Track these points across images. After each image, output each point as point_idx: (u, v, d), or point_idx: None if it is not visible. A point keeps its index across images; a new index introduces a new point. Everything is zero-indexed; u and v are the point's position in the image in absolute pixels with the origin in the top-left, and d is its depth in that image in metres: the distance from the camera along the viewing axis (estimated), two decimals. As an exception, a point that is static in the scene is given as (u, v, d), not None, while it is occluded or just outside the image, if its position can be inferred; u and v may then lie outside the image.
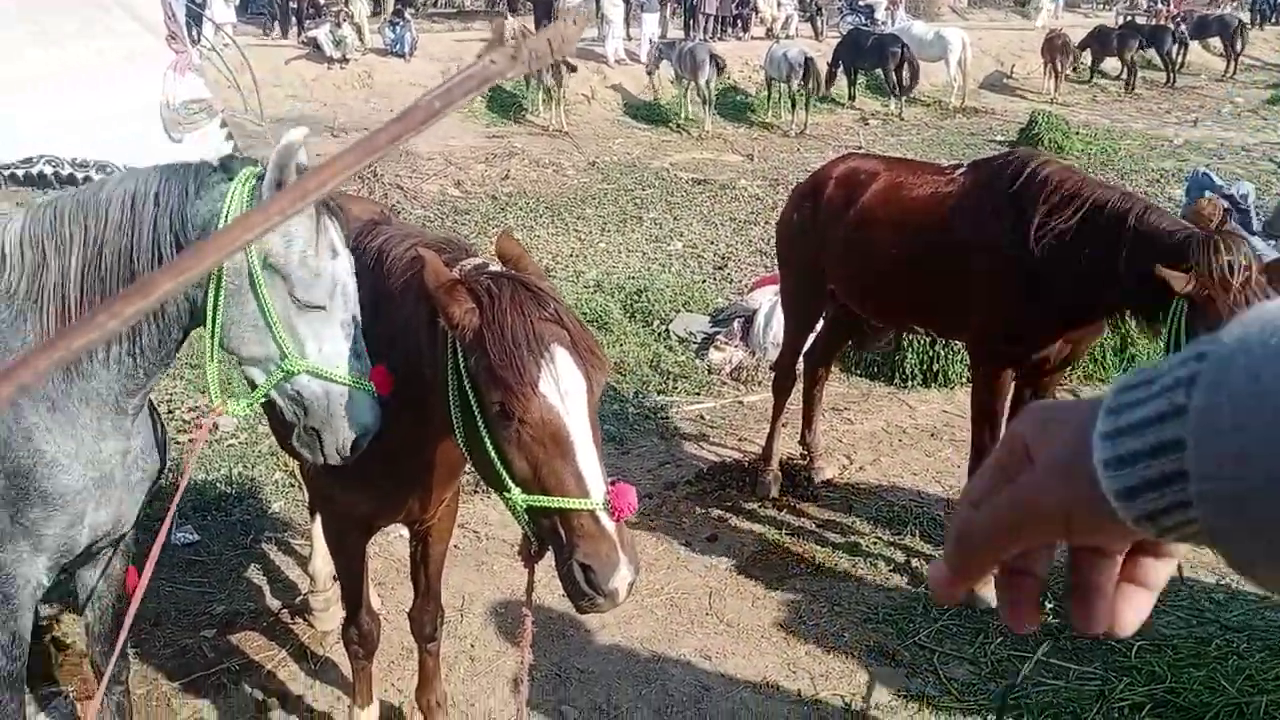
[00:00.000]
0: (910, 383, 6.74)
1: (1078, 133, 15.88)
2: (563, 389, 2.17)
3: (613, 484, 2.20)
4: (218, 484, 5.30)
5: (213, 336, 2.44)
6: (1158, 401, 0.59)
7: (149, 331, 2.52)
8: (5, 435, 2.52)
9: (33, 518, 2.57)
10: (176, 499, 2.65)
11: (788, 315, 5.39)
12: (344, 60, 17.46)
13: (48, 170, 11.08)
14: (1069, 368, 4.80)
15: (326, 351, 2.41)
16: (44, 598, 2.79)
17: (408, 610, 3.39)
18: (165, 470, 2.91)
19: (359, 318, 2.46)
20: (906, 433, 6.11)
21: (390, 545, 4.71)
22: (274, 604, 4.39)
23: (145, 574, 2.58)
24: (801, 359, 5.37)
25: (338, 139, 14.16)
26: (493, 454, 2.25)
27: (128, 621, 2.63)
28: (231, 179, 2.39)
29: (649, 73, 18.40)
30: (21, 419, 2.52)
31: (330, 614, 4.21)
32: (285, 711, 3.69)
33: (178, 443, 5.44)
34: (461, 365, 2.28)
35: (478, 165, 13.32)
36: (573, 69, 16.15)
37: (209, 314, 2.42)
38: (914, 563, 4.63)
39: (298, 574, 4.59)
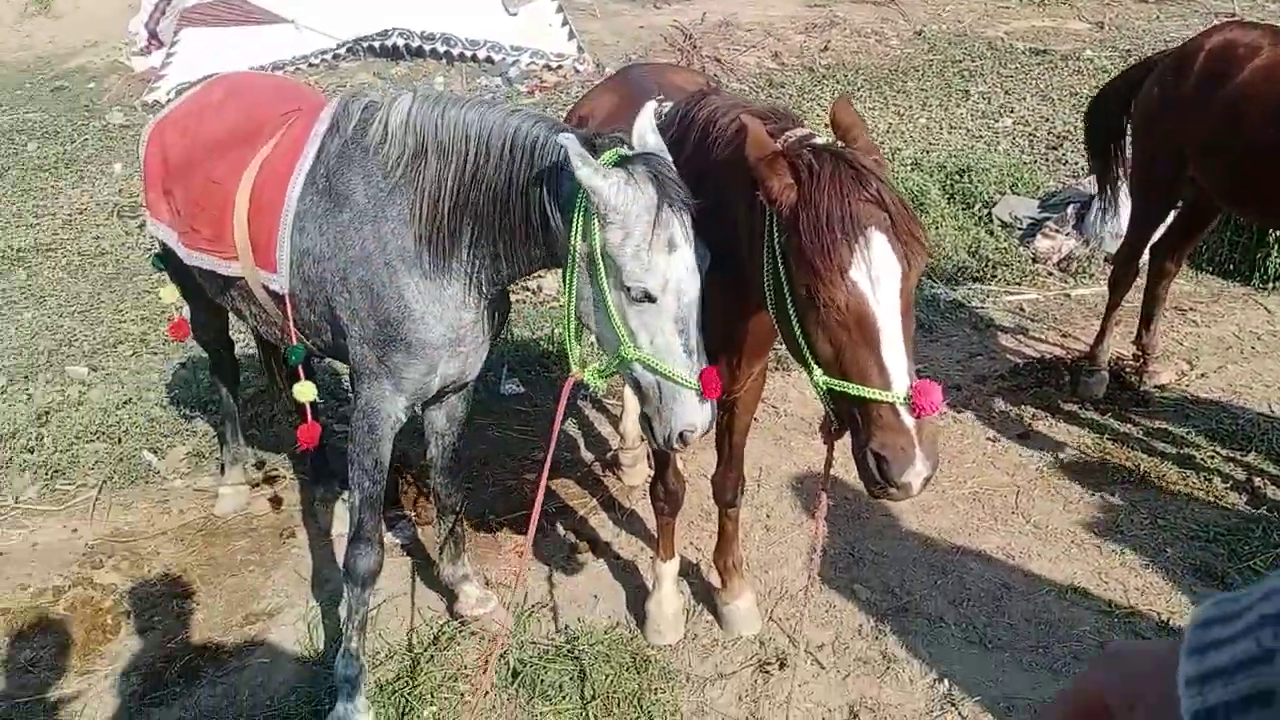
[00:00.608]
0: (1273, 284, 5.91)
1: None
2: (874, 275, 2.09)
3: (918, 379, 2.12)
4: (540, 342, 5.69)
5: (569, 305, 2.59)
6: (1245, 643, 0.51)
7: (522, 255, 2.71)
8: (380, 289, 2.81)
9: (396, 361, 2.90)
10: (553, 441, 2.90)
11: (1136, 202, 4.85)
12: (667, -71, 17.32)
13: (400, 42, 12.04)
14: None
15: (658, 344, 2.43)
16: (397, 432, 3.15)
17: (710, 475, 3.50)
18: (501, 332, 3.21)
19: (698, 315, 2.45)
20: (1261, 339, 5.41)
21: (694, 412, 4.87)
22: (587, 456, 4.72)
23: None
24: (1147, 251, 4.86)
25: (659, 10, 14.22)
26: (798, 333, 2.24)
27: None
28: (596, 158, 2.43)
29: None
30: (395, 278, 2.81)
31: (637, 470, 4.47)
32: (594, 555, 3.99)
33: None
34: (776, 241, 2.25)
35: (796, 36, 12.90)
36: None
37: (566, 285, 2.56)
38: (1256, 482, 4.15)
39: (609, 430, 4.88)
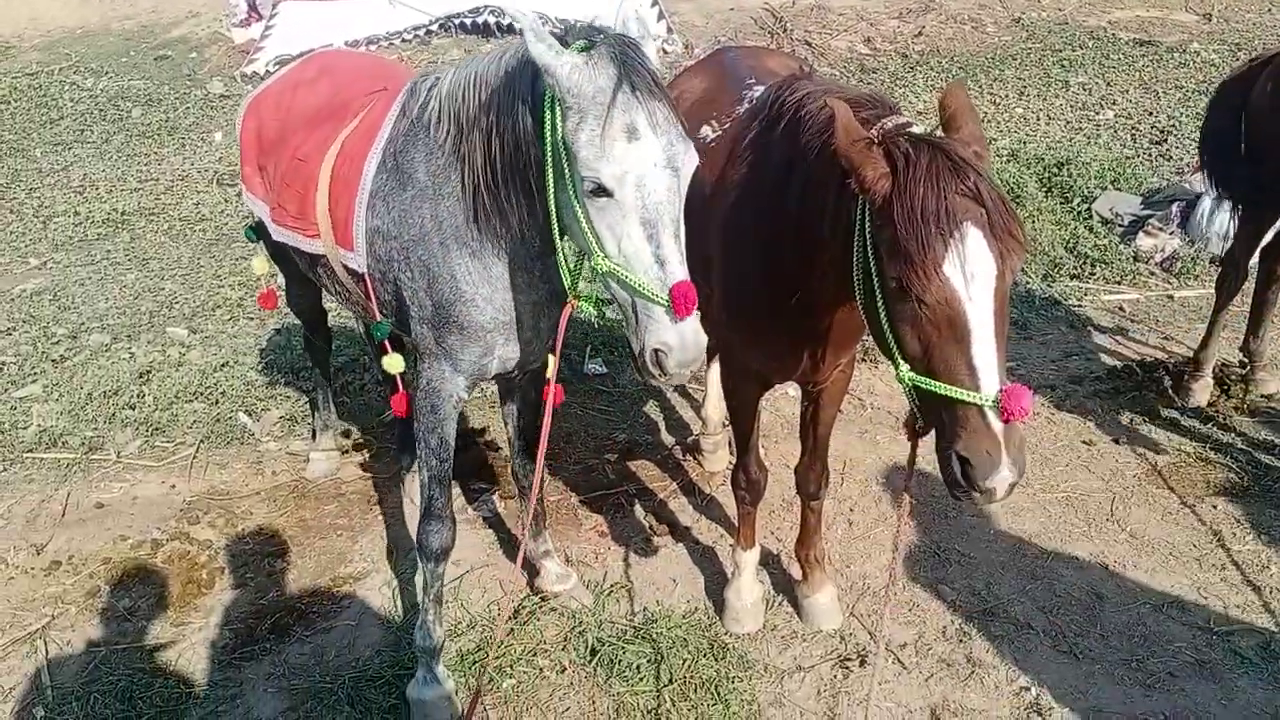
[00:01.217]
0: (1393, 294, 5.62)
1: None
2: (969, 271, 2.02)
3: (1009, 383, 2.05)
4: (623, 323, 5.67)
5: (552, 217, 2.42)
6: None
7: (535, 208, 2.54)
8: (435, 269, 2.78)
9: (451, 343, 2.87)
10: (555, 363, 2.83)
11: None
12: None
13: (491, 20, 12.10)
14: None
15: (625, 251, 2.22)
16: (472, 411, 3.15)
17: (793, 466, 3.46)
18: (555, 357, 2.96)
19: (673, 220, 2.24)
20: (1378, 352, 5.16)
21: (777, 401, 4.84)
22: (668, 439, 4.71)
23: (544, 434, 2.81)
24: (1257, 254, 4.66)
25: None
26: (886, 327, 2.19)
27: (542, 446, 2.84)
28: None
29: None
30: (449, 259, 2.76)
31: (718, 457, 4.45)
32: (673, 539, 3.99)
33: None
34: (868, 230, 2.19)
35: (890, 21, 12.64)
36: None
37: (548, 198, 2.39)
38: (1370, 502, 3.96)
39: (690, 415, 4.87)
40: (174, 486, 4.44)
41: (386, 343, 3.24)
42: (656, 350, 2.23)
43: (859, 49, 11.76)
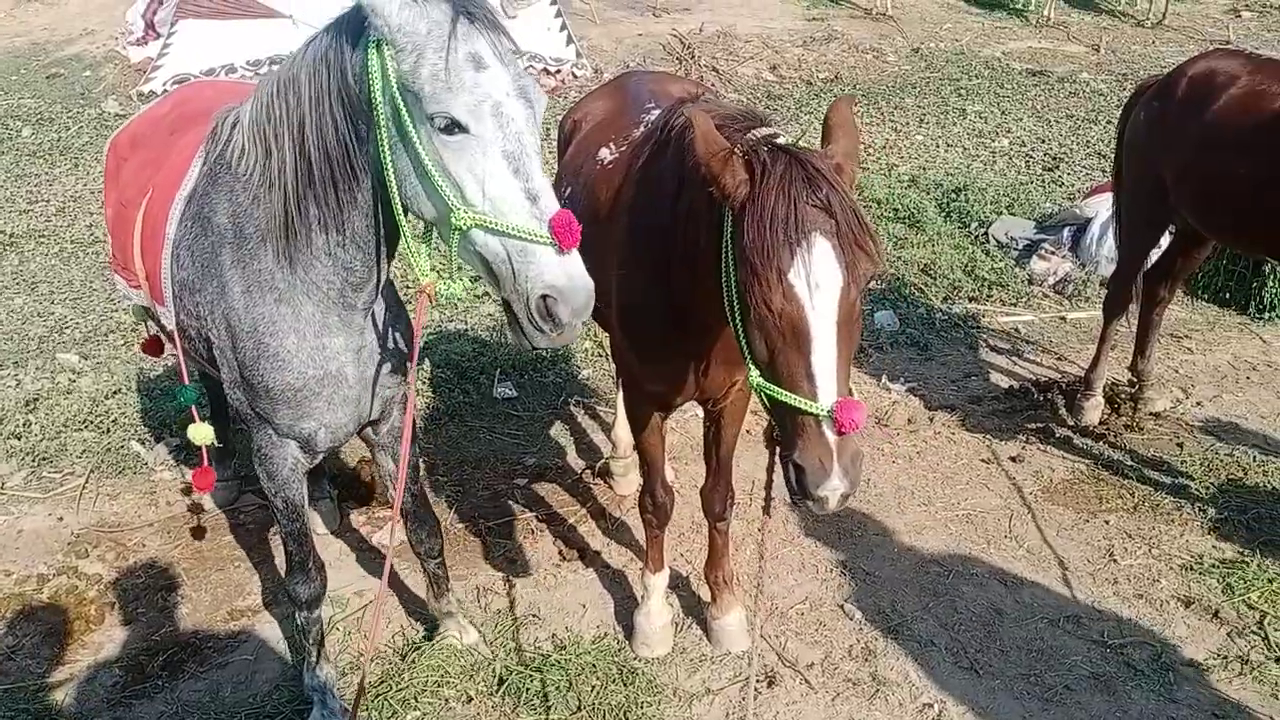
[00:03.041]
0: (1269, 314, 5.93)
1: None
2: (813, 281, 2.07)
3: (844, 397, 2.09)
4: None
5: (393, 189, 2.20)
6: None
7: (353, 216, 2.36)
8: (238, 324, 2.57)
9: (263, 408, 2.65)
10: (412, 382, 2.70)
11: (1126, 227, 4.88)
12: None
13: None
14: None
15: (491, 194, 2.03)
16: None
17: (700, 488, 3.47)
18: (412, 363, 2.70)
19: (537, 153, 2.10)
20: (1257, 370, 5.43)
21: (687, 423, 4.86)
22: (577, 463, 4.69)
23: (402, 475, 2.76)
24: (1141, 276, 4.87)
25: (658, 19, 14.21)
26: (739, 330, 2.24)
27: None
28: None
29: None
30: (252, 309, 2.54)
31: (628, 480, 4.43)
32: (583, 564, 3.96)
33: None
34: (727, 238, 2.24)
35: (795, 49, 12.93)
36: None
37: (385, 170, 2.17)
38: (1255, 513, 4.12)
39: (600, 439, 4.86)
40: (61, 519, 4.24)
41: (194, 409, 3.10)
42: (545, 296, 2.03)
43: (765, 76, 11.98)
